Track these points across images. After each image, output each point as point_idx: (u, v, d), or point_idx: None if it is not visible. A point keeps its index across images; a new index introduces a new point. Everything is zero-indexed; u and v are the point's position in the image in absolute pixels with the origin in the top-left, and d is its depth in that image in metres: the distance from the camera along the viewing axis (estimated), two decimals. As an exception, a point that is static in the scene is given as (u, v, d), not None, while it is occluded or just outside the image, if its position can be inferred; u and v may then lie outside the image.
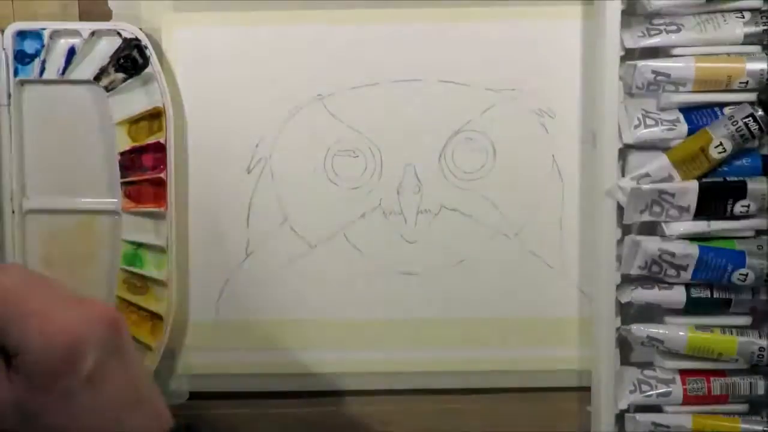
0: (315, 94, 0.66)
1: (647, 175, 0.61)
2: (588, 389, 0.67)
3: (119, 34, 0.64)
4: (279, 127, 0.66)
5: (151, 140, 0.65)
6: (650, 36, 0.61)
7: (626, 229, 0.64)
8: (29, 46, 0.64)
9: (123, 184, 0.65)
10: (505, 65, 0.65)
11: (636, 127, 0.61)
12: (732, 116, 0.60)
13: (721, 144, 0.59)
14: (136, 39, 0.63)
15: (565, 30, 0.65)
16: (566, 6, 0.65)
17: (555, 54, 0.65)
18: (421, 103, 0.66)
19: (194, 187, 0.67)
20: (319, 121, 0.66)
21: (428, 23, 0.65)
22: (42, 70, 0.65)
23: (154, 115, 0.65)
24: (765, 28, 0.60)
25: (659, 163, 0.61)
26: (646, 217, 0.61)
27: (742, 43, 0.61)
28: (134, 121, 0.65)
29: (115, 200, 0.66)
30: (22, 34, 0.64)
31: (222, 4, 0.65)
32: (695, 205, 0.60)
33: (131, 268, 0.66)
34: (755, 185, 0.60)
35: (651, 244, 0.62)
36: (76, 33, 0.64)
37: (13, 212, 0.66)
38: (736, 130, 0.59)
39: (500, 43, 0.65)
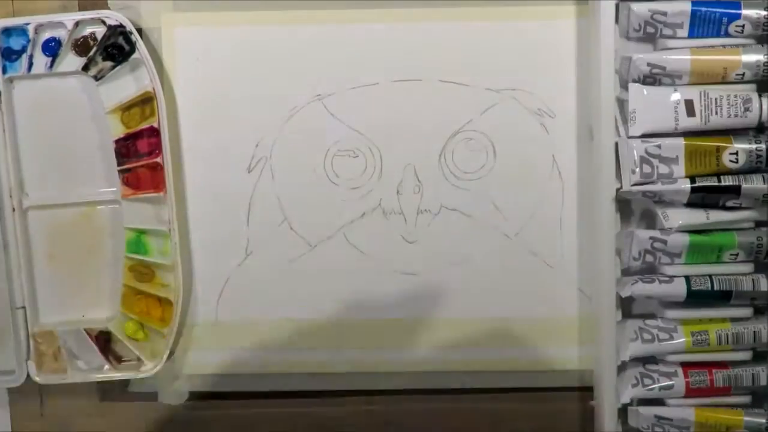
0: (315, 94, 0.66)
1: (658, 147, 0.60)
2: (588, 389, 0.67)
3: (104, 22, 0.64)
4: (279, 127, 0.66)
5: (145, 125, 0.65)
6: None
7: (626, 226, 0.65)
8: (15, 43, 0.64)
9: (120, 171, 0.65)
10: (505, 65, 0.66)
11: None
12: (759, 134, 0.60)
13: (736, 153, 0.60)
14: (121, 26, 0.64)
15: (565, 30, 0.65)
16: (566, 6, 0.65)
17: (555, 54, 0.66)
18: (421, 103, 0.66)
19: (194, 187, 0.67)
20: (319, 121, 0.66)
21: (428, 23, 0.66)
22: (30, 65, 0.65)
23: (145, 101, 0.65)
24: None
25: (674, 141, 0.61)
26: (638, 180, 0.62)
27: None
28: (126, 108, 0.65)
29: (114, 189, 0.66)
30: (6, 31, 0.64)
31: (222, 4, 0.66)
32: (686, 200, 0.61)
33: (136, 256, 0.66)
34: (750, 185, 0.60)
35: (643, 233, 0.62)
36: (60, 25, 0.64)
37: (14, 210, 0.66)
38: (756, 149, 0.59)
39: (500, 43, 0.66)
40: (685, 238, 0.61)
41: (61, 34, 0.64)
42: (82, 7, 0.66)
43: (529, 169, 0.67)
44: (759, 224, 0.62)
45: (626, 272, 0.64)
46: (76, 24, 0.64)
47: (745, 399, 0.64)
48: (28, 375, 0.66)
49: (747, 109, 0.60)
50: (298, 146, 0.67)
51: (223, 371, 0.68)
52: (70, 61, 0.65)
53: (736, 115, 0.60)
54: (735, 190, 0.60)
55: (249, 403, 0.69)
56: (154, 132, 0.64)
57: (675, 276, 0.62)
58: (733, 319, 0.63)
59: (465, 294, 0.68)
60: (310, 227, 0.67)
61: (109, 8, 0.65)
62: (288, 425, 0.69)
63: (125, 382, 0.69)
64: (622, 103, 0.62)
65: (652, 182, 0.61)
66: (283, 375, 0.68)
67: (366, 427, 0.69)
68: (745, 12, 0.60)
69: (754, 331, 0.63)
